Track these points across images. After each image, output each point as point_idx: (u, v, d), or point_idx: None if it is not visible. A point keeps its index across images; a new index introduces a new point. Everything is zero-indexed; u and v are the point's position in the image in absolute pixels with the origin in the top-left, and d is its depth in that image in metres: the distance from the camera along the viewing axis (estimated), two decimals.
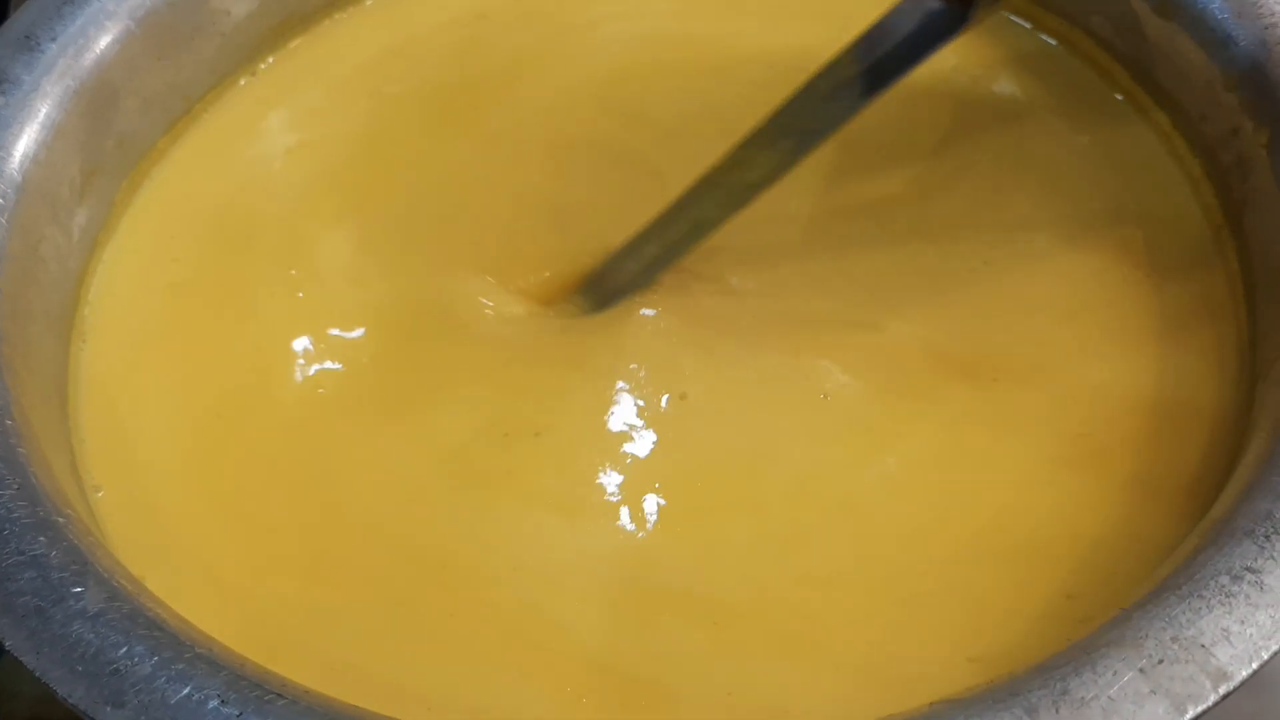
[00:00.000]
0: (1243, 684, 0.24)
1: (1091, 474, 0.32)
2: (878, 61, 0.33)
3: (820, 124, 0.34)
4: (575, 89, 0.41)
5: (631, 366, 0.34)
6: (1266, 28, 0.35)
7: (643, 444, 0.33)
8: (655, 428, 0.33)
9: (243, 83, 0.40)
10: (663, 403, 0.34)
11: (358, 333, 0.35)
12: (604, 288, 0.36)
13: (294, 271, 0.36)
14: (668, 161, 0.38)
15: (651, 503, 0.32)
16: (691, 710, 0.28)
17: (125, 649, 0.24)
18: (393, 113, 0.40)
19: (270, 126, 0.40)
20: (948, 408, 0.33)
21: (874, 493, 0.32)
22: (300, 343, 0.35)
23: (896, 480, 0.32)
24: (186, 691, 0.24)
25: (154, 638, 0.25)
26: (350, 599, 0.30)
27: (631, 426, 0.33)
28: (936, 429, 0.33)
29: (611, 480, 0.32)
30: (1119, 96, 0.39)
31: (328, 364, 0.34)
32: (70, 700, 0.24)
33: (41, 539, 0.26)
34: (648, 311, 0.36)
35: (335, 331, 0.35)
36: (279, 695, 0.24)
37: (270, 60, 0.41)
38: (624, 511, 0.31)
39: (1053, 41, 0.41)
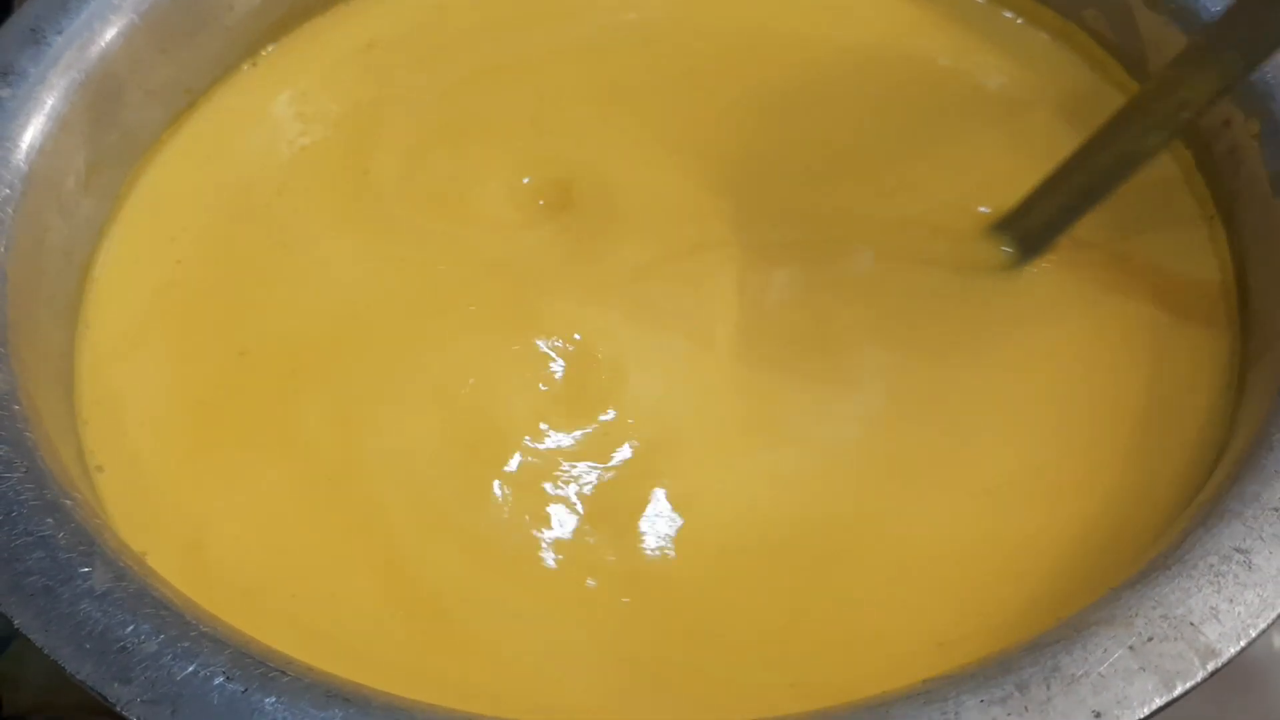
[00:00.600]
0: (1230, 661, 0.24)
1: (1082, 470, 0.32)
2: None
3: (1274, 25, 0.29)
4: (579, 58, 0.41)
5: None
6: None
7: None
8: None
9: (245, 69, 0.41)
10: None
11: (359, 316, 0.35)
12: (1021, 234, 0.34)
13: (296, 259, 0.36)
14: None
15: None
16: (686, 690, 0.29)
17: (132, 627, 0.25)
18: (395, 97, 0.40)
19: (272, 114, 0.40)
20: (930, 416, 0.33)
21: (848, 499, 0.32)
22: (302, 331, 0.35)
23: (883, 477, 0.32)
24: (193, 668, 0.24)
25: (160, 616, 0.25)
26: (348, 575, 0.30)
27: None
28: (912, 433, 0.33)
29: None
30: (1114, 89, 0.39)
31: (329, 354, 0.34)
32: (79, 677, 0.24)
33: (49, 520, 0.27)
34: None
35: (337, 317, 0.35)
36: (283, 672, 0.24)
37: (272, 47, 0.41)
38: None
39: (1046, 36, 0.41)
